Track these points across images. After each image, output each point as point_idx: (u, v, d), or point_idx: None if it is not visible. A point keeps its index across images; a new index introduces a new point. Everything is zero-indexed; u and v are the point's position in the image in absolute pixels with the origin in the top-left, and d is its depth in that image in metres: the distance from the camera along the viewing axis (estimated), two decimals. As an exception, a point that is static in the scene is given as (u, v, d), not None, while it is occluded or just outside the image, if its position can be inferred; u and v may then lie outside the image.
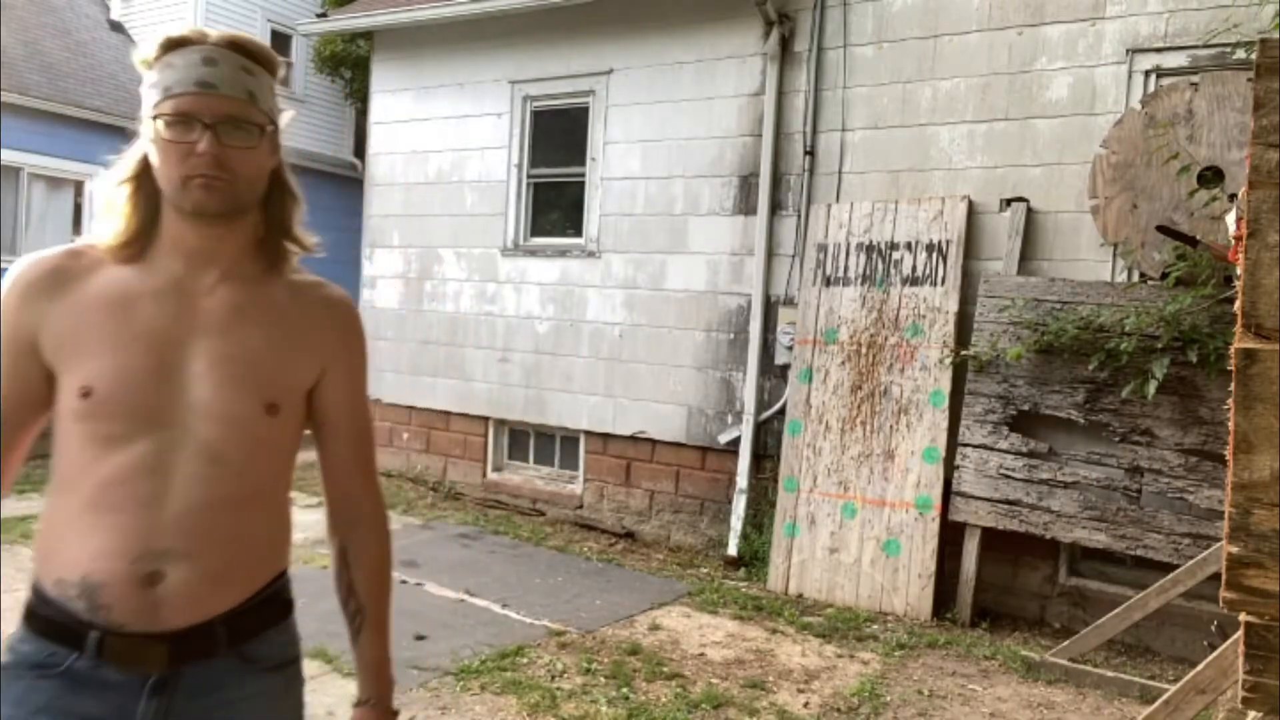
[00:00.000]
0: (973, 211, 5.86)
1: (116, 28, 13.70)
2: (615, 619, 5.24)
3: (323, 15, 10.34)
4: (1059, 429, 5.41)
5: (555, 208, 7.87)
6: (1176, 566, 4.87)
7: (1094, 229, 5.50)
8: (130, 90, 12.41)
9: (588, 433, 7.54)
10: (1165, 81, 5.41)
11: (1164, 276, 5.09)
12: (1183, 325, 4.83)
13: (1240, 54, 5.14)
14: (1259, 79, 1.06)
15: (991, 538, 5.57)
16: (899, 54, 6.22)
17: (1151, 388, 4.88)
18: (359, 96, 13.51)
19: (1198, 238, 1.47)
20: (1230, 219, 1.27)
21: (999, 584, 5.78)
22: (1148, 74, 5.47)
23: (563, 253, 7.64)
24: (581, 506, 7.55)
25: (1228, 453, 1.10)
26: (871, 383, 5.95)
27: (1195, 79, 5.26)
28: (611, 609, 5.42)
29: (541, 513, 7.68)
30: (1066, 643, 4.94)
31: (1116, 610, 4.69)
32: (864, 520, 5.87)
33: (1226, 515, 1.05)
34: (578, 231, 7.60)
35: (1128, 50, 5.51)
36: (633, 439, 7.28)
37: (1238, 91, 5.11)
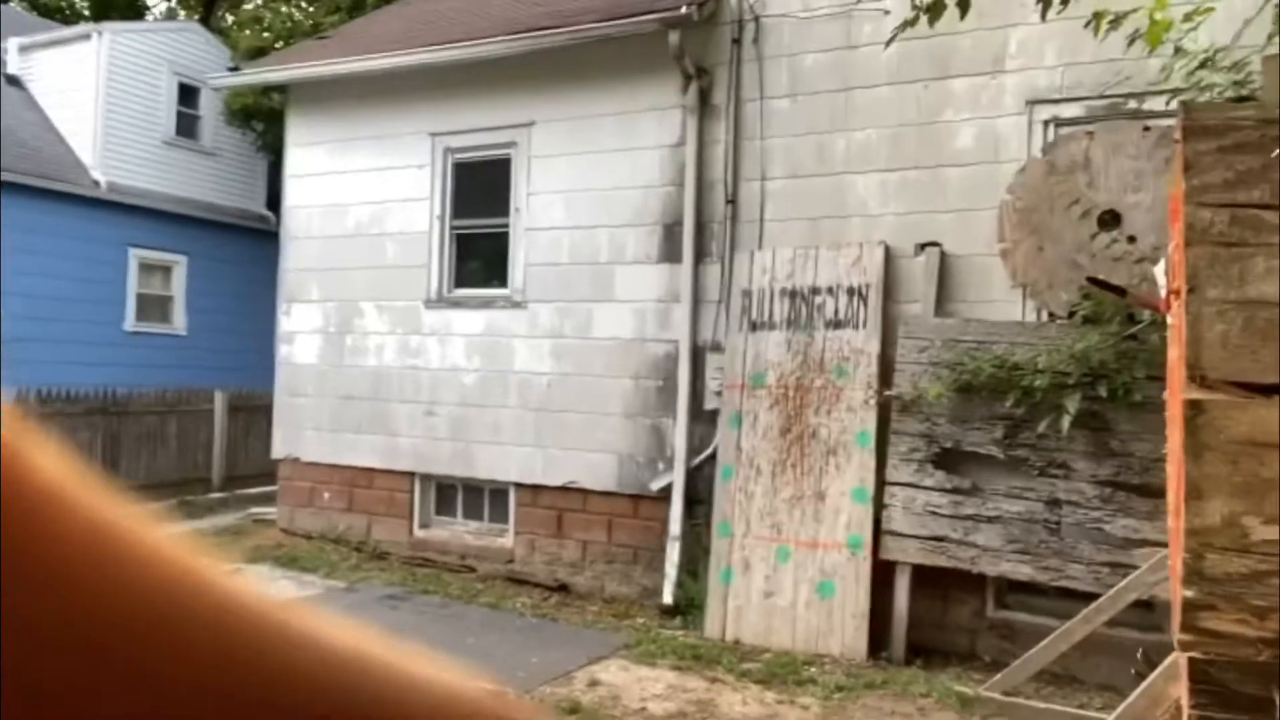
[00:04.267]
0: (890, 256, 6.04)
1: (13, 82, 13.20)
2: (553, 676, 5.12)
3: (235, 69, 10.16)
4: (981, 465, 5.57)
5: (479, 259, 7.83)
6: (1098, 595, 5.03)
7: (1004, 271, 5.73)
8: (31, 145, 11.93)
9: (518, 484, 7.43)
10: (1064, 131, 5.72)
11: (1071, 315, 5.32)
12: (1092, 362, 5.05)
13: (1131, 105, 5.47)
14: (1187, 141, 1.11)
15: (922, 574, 5.66)
16: (814, 106, 6.43)
17: (1065, 423, 5.07)
18: (272, 149, 13.28)
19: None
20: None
21: (930, 620, 5.86)
22: (1047, 124, 5.77)
23: (488, 304, 7.58)
24: (513, 560, 7.40)
25: (1173, 498, 1.13)
26: (800, 425, 6.03)
27: (1091, 128, 5.57)
28: (548, 666, 5.30)
29: (472, 569, 7.50)
30: (998, 676, 5.02)
31: (1044, 642, 4.80)
32: (798, 563, 5.90)
33: (1180, 561, 1.08)
34: (503, 282, 7.56)
35: (1027, 102, 5.81)
36: (564, 489, 7.19)
37: (1130, 140, 5.43)
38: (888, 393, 5.73)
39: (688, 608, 6.36)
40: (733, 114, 6.65)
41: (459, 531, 7.77)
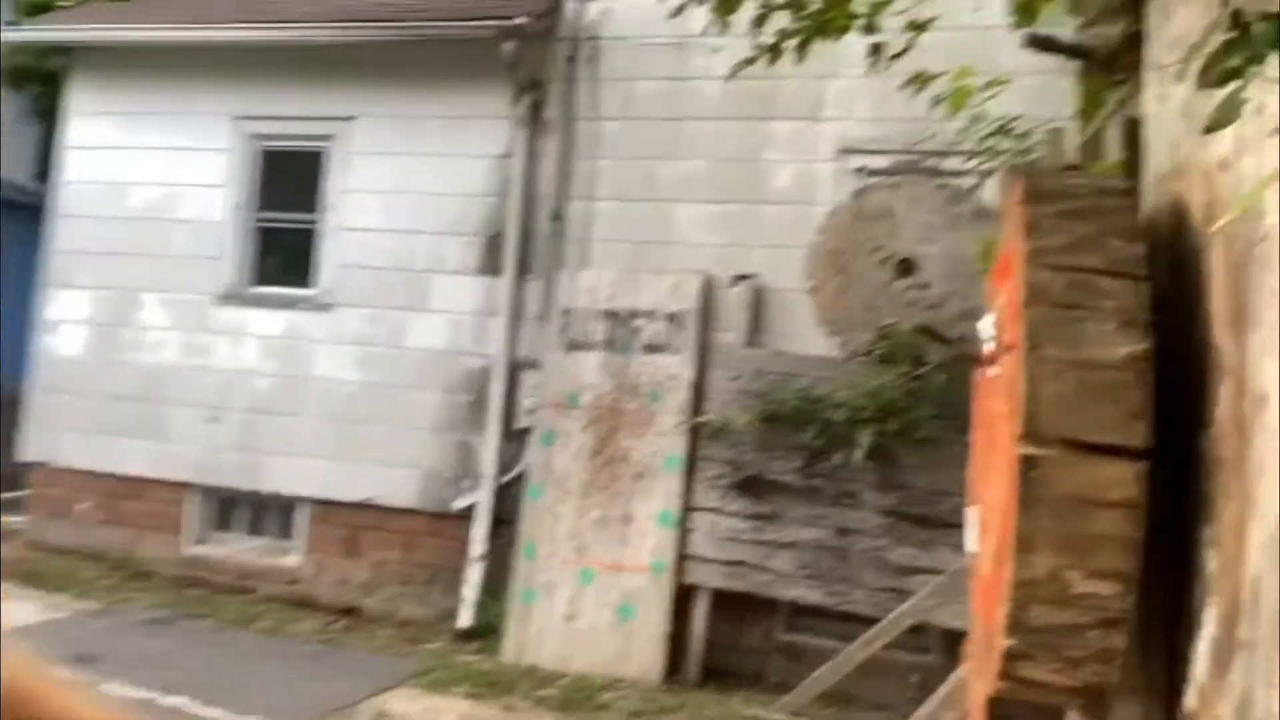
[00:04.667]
0: (709, 285, 6.19)
1: None
2: (335, 709, 4.79)
3: (14, 24, 9.02)
4: (782, 493, 5.77)
5: (283, 255, 7.31)
6: (877, 619, 5.34)
7: (812, 308, 6.00)
8: None
9: (309, 499, 6.96)
10: (871, 180, 6.09)
11: (868, 354, 5.65)
12: (884, 399, 5.37)
13: (931, 162, 5.91)
14: (1030, 204, 1.15)
15: (720, 598, 5.79)
16: (645, 132, 6.50)
17: (859, 455, 5.36)
18: (45, 115, 11.87)
19: (953, 340, 1.61)
20: (984, 325, 1.38)
21: (725, 642, 6.00)
22: (857, 172, 6.13)
23: (290, 304, 7.09)
24: (298, 581, 6.92)
25: (992, 547, 1.15)
26: (612, 447, 6.03)
27: (895, 181, 5.97)
28: (330, 697, 4.95)
29: (251, 589, 6.93)
30: (785, 698, 5.20)
31: (828, 664, 5.02)
32: (601, 585, 5.87)
33: (1001, 609, 1.10)
34: (308, 282, 7.10)
35: (840, 150, 6.15)
36: (361, 505, 6.81)
37: (928, 194, 5.86)
38: (698, 419, 5.84)
39: (487, 631, 6.17)
40: (564, 131, 6.61)
41: (239, 549, 7.17)
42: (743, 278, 6.16)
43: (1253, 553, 0.85)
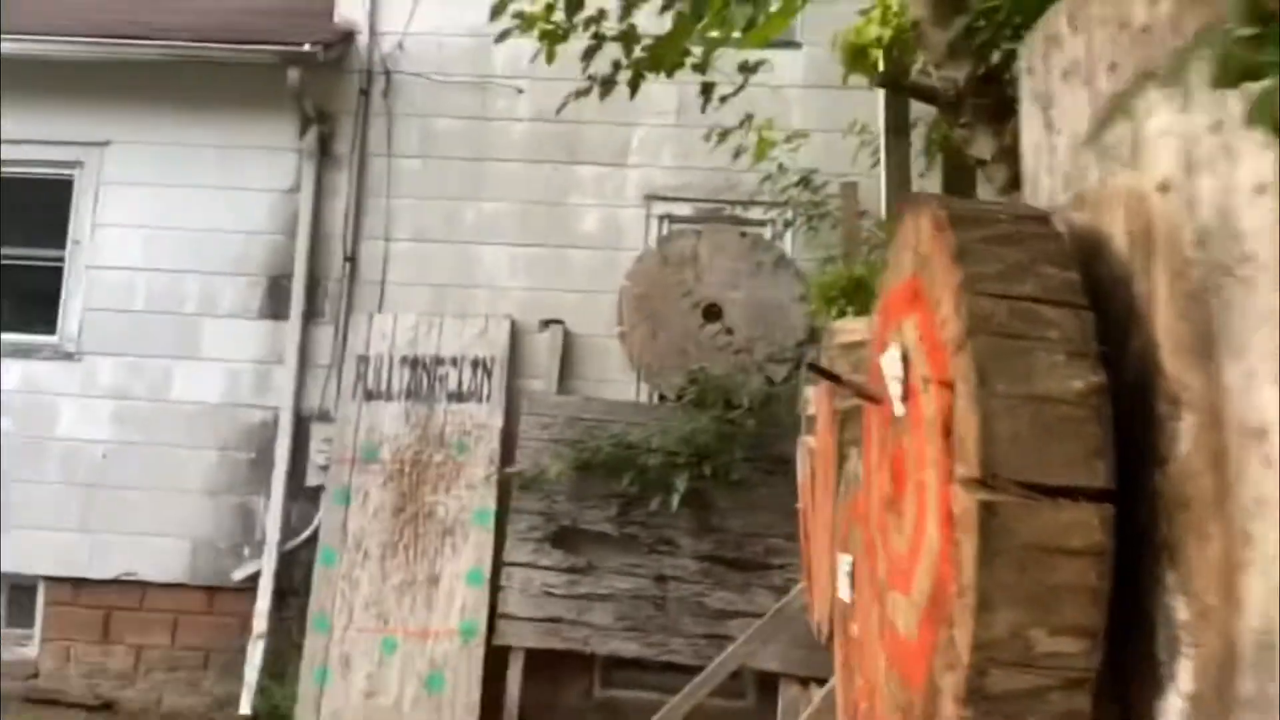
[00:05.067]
0: (516, 330, 5.98)
1: None
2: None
3: None
4: (597, 543, 5.61)
5: (21, 297, 6.33)
6: (697, 667, 5.26)
7: (622, 353, 5.95)
8: None
9: (51, 578, 5.98)
10: (676, 227, 6.16)
11: (679, 398, 5.65)
12: (698, 443, 5.37)
13: (732, 211, 6.07)
14: (955, 229, 1.06)
15: (535, 657, 5.50)
16: (445, 171, 6.24)
17: (675, 500, 5.31)
18: None
19: (842, 377, 1.54)
20: (889, 359, 1.28)
21: (541, 703, 5.70)
22: (662, 219, 6.19)
23: (27, 353, 6.13)
24: (38, 675, 5.89)
25: (924, 595, 1.04)
26: (416, 504, 5.62)
27: (699, 228, 6.07)
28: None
29: (-26, 691, 5.82)
30: (609, 758, 4.98)
31: (654, 719, 4.87)
32: (405, 655, 5.41)
33: (962, 679, 0.98)
34: (50, 327, 6.18)
35: (645, 196, 6.19)
36: (116, 582, 5.94)
37: (731, 242, 6.00)
38: (509, 469, 5.58)
39: (273, 718, 5.51)
40: (357, 167, 6.22)
41: (-42, 643, 6.02)
42: (551, 322, 6.00)
43: (1254, 599, 0.76)
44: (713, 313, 5.89)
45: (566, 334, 5.99)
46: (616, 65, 3.00)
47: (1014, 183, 1.84)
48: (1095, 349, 0.98)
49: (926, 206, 1.19)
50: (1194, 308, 0.90)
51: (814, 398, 3.85)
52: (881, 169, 3.24)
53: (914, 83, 1.84)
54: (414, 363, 5.91)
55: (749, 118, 3.93)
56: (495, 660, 5.44)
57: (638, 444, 5.47)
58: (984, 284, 1.02)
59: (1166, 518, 0.94)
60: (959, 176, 2.35)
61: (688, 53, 2.81)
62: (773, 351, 5.69)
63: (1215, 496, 0.86)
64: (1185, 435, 0.91)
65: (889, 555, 1.36)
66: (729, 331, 5.84)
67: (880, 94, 3.27)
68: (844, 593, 1.85)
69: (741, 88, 3.12)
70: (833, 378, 1.47)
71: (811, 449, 3.74)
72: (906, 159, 3.18)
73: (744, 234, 6.01)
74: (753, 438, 5.43)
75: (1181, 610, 0.91)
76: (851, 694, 1.80)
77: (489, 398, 5.80)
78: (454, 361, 5.89)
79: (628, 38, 2.86)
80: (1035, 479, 0.94)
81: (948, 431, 1.06)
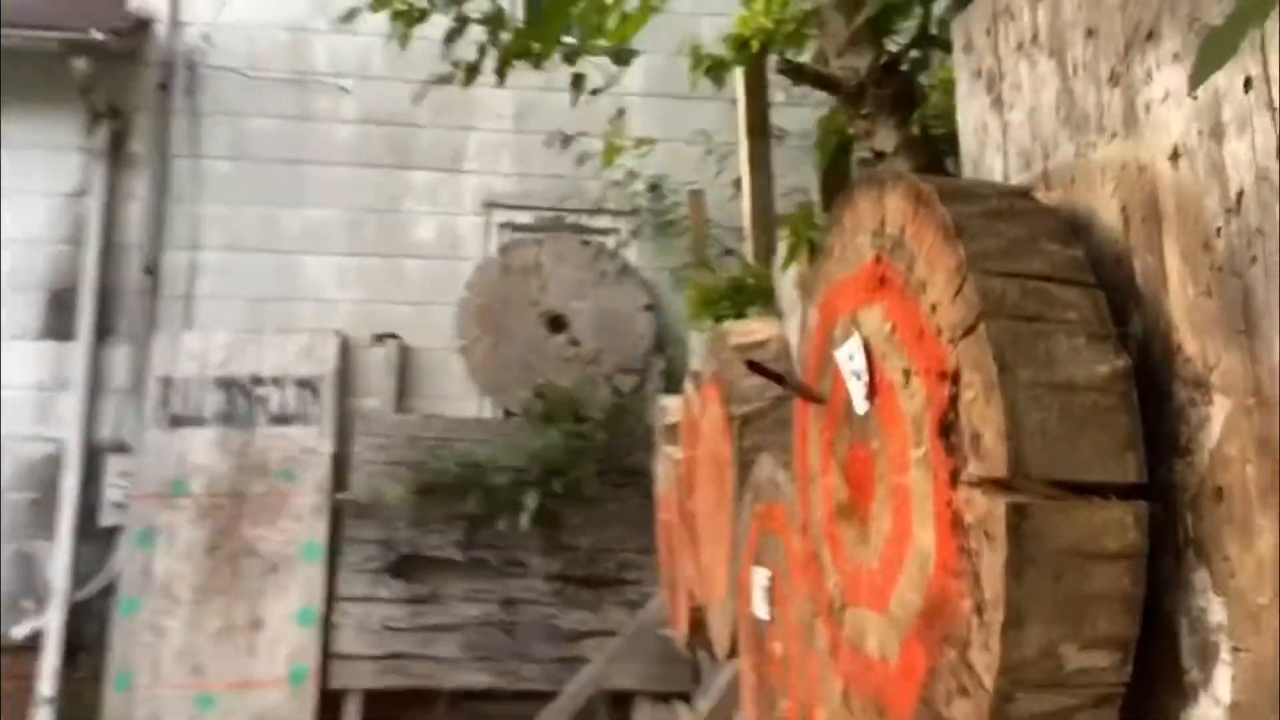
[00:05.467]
0: (347, 346, 5.55)
1: None
2: None
3: None
4: (442, 570, 5.27)
5: None
6: (550, 693, 5.05)
7: (463, 367, 5.66)
8: None
9: None
10: (517, 236, 5.94)
11: (526, 413, 5.43)
12: (548, 459, 5.17)
13: (574, 218, 5.93)
14: (947, 204, 0.96)
15: (374, 699, 5.09)
16: (262, 175, 5.73)
17: (525, 519, 5.08)
18: None
19: (785, 376, 1.41)
20: (846, 354, 1.17)
21: (382, 749, 5.28)
22: (502, 227, 5.95)
23: None
24: None
25: (979, 626, 0.94)
26: (235, 541, 5.08)
27: (541, 236, 5.89)
28: None
29: None
30: (461, 799, 4.67)
31: (510, 753, 4.61)
32: (225, 711, 4.86)
33: (986, 706, 0.87)
34: None
35: (484, 204, 5.93)
36: None
37: (573, 251, 5.86)
38: (341, 496, 5.16)
39: (64, 796, 4.79)
40: (157, 169, 5.59)
41: None
42: (386, 337, 5.62)
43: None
44: (558, 324, 5.72)
45: (403, 349, 5.63)
46: (482, 49, 2.78)
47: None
48: (1113, 330, 0.89)
49: (897, 184, 1.09)
50: (1224, 282, 0.83)
51: (681, 406, 3.76)
52: (743, 172, 3.20)
53: (816, 71, 1.78)
54: (229, 384, 5.36)
55: (619, 114, 3.77)
56: (329, 706, 4.98)
57: (483, 463, 5.19)
58: (990, 262, 0.91)
59: (1192, 512, 0.87)
60: (836, 178, 2.32)
61: (559, 42, 2.64)
62: (620, 362, 5.59)
63: (1262, 486, 0.78)
64: (1215, 421, 0.84)
65: (845, 568, 1.24)
66: (575, 343, 5.69)
67: (739, 96, 3.23)
68: (759, 609, 1.72)
69: (615, 80, 2.98)
70: (775, 377, 1.35)
71: (676, 460, 3.64)
72: (768, 161, 3.16)
73: (587, 242, 5.88)
74: (603, 451, 5.29)
75: (1216, 612, 0.83)
76: (773, 716, 1.68)
77: (317, 419, 5.34)
78: (275, 381, 5.38)
79: (496, 20, 2.65)
80: (1066, 476, 0.84)
81: (946, 428, 0.95)
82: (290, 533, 5.13)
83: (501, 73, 2.88)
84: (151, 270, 5.53)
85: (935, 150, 1.78)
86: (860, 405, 1.16)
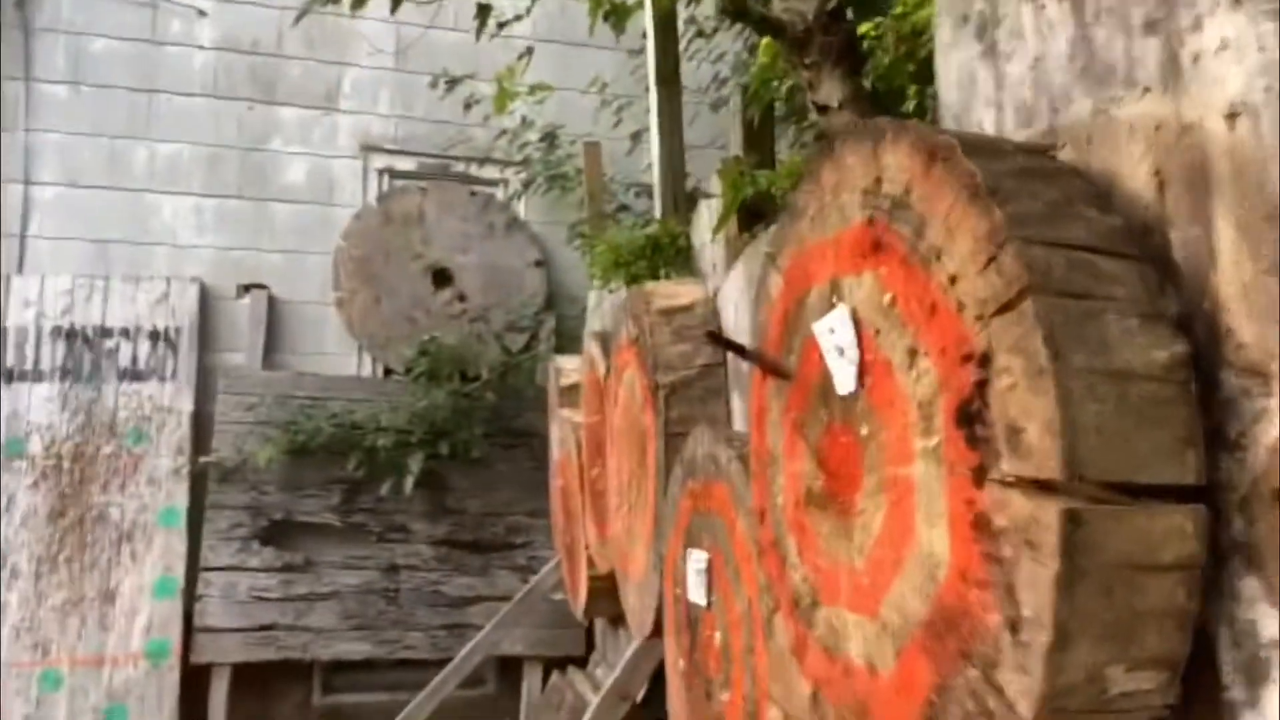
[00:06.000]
0: (207, 296, 5.09)
1: None
2: None
3: None
4: (316, 536, 4.96)
5: None
6: (433, 661, 4.87)
7: (340, 322, 5.30)
8: None
9: None
10: (398, 183, 5.58)
11: (408, 371, 5.15)
12: (433, 419, 4.92)
13: (460, 168, 5.61)
14: (973, 159, 0.83)
15: (244, 672, 4.78)
16: (105, 103, 5.13)
17: (409, 483, 4.83)
18: None
19: (748, 349, 1.27)
20: (830, 326, 1.04)
21: (250, 723, 4.99)
22: (381, 173, 5.57)
23: None
24: None
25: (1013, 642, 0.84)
26: (81, 506, 4.62)
27: (424, 185, 5.54)
28: None
29: None
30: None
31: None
32: (75, 689, 4.46)
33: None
34: None
35: (361, 147, 5.53)
36: None
37: (460, 201, 5.55)
38: (204, 459, 4.76)
39: (-119, 793, 4.29)
40: (-19, 89, 4.93)
41: None
42: (252, 287, 5.19)
43: None
44: (443, 278, 5.43)
45: (271, 300, 5.21)
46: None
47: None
48: (1169, 309, 0.79)
49: (901, 135, 0.96)
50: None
51: (581, 367, 3.60)
52: (652, 122, 3.03)
53: (761, 13, 1.63)
54: (70, 334, 4.83)
55: (528, 53, 3.51)
56: (194, 681, 4.64)
57: (363, 423, 4.89)
58: (1030, 228, 0.79)
59: (1242, 514, 0.78)
60: (761, 132, 2.19)
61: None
62: (510, 320, 5.36)
63: (1336, 488, 0.70)
64: (1276, 415, 0.75)
65: (817, 563, 1.13)
66: (462, 298, 5.42)
67: (649, 40, 3.05)
68: (694, 594, 1.61)
69: (528, 11, 2.73)
70: (736, 349, 1.21)
71: (576, 424, 3.49)
72: (679, 111, 3.00)
73: (474, 193, 5.58)
74: (491, 412, 5.09)
75: (1269, 627, 0.76)
76: (710, 707, 1.57)
77: (174, 375, 4.90)
78: (126, 333, 4.89)
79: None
80: (1122, 478, 0.74)
81: (968, 418, 0.83)
82: (145, 498, 4.70)
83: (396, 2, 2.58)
84: (-25, 206, 4.89)
85: (884, 107, 1.67)
86: (845, 384, 1.04)
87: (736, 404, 1.84)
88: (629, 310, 2.10)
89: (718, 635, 1.52)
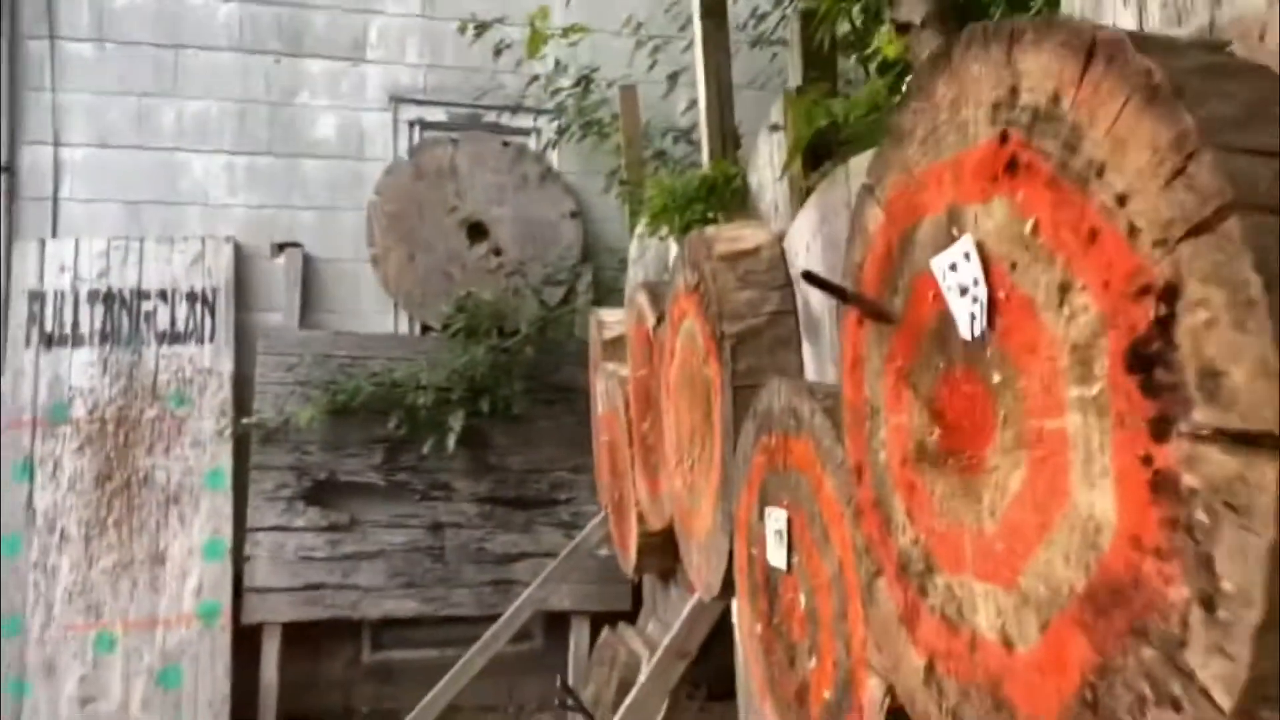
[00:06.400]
0: (242, 256, 5.04)
1: None
2: None
3: None
4: (360, 495, 4.95)
5: None
6: (479, 618, 4.87)
7: (375, 279, 5.23)
8: None
9: None
10: (429, 135, 5.45)
11: (445, 328, 5.08)
12: (473, 376, 4.86)
13: (491, 117, 5.46)
14: (1145, 53, 0.70)
15: (294, 631, 4.81)
16: (132, 60, 5.04)
17: (451, 441, 4.79)
18: None
19: (848, 290, 1.18)
20: (949, 261, 0.92)
21: (301, 681, 5.03)
22: (412, 125, 5.44)
23: None
24: None
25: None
26: (126, 469, 4.63)
27: (455, 136, 5.41)
28: None
29: None
30: (397, 726, 4.48)
31: (448, 676, 4.41)
32: (129, 651, 4.51)
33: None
34: None
35: (391, 98, 5.40)
36: None
37: (492, 153, 5.42)
38: (246, 420, 4.74)
39: (-51, 752, 4.39)
40: (7, 51, 4.84)
41: None
42: (287, 246, 5.12)
43: None
44: (478, 232, 5.32)
45: (306, 259, 5.15)
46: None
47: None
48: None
49: (1046, 34, 0.82)
50: None
51: (626, 319, 3.50)
52: (697, 57, 2.87)
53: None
54: (108, 298, 4.81)
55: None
56: (246, 641, 4.68)
57: (403, 381, 4.84)
58: (1226, 134, 0.67)
59: None
60: (828, 59, 2.05)
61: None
62: (547, 273, 5.25)
63: None
64: None
65: (932, 525, 1.02)
66: (497, 252, 5.31)
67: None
68: (773, 555, 1.51)
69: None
70: (836, 290, 1.09)
71: (622, 378, 3.40)
72: (726, 46, 2.84)
73: (506, 144, 5.45)
74: (531, 367, 5.01)
75: None
76: (794, 673, 1.49)
77: (213, 337, 4.86)
78: (163, 295, 4.86)
79: None
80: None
81: (1142, 361, 0.72)
82: (190, 461, 4.70)
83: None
84: (8, 169, 4.85)
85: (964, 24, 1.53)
86: (969, 327, 0.92)
87: (808, 353, 1.72)
88: (687, 257, 1.99)
89: (802, 599, 1.43)
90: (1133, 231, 0.72)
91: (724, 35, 2.86)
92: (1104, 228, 0.75)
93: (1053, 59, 0.80)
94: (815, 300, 1.65)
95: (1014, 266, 0.86)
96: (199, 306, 4.86)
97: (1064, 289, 0.79)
